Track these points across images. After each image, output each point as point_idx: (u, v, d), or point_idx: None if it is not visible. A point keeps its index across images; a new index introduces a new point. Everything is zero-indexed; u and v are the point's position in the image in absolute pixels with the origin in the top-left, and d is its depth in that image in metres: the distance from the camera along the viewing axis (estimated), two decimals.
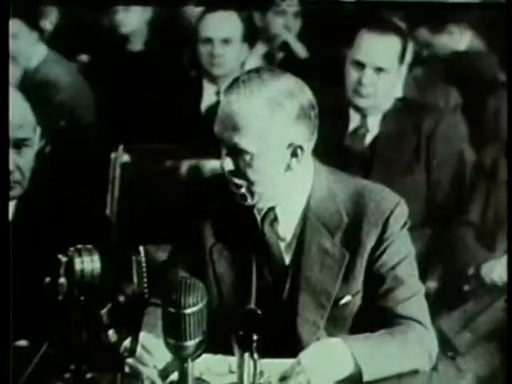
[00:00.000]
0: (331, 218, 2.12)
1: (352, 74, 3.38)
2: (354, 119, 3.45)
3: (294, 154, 2.06)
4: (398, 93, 3.63)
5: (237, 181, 2.07)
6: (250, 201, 2.08)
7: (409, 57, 3.78)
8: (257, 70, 2.07)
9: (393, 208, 2.12)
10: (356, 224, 2.11)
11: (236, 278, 2.13)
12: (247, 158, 2.03)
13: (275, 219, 2.12)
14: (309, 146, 2.08)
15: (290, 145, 2.05)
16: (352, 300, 2.11)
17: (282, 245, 2.14)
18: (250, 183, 2.06)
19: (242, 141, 2.02)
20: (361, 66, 3.36)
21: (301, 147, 2.06)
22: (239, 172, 2.06)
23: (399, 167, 3.41)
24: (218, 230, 2.16)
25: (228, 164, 2.06)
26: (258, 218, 2.13)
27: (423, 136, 3.43)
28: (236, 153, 2.04)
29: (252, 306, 2.06)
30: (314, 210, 2.12)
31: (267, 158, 2.04)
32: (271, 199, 2.10)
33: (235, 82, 2.05)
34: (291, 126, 2.04)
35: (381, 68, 3.35)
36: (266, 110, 2.01)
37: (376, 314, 2.10)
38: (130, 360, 1.92)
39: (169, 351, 1.79)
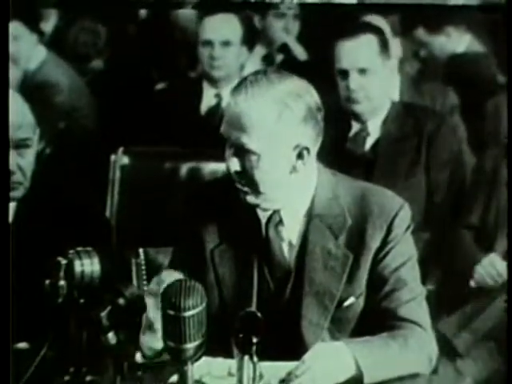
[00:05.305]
0: (335, 220, 2.11)
1: (340, 84, 3.37)
2: (355, 123, 3.44)
3: (300, 156, 2.05)
4: (395, 93, 3.63)
5: (242, 182, 2.06)
6: (254, 200, 2.08)
7: (398, 51, 3.77)
8: (264, 72, 2.07)
9: (397, 210, 2.11)
10: (360, 226, 2.10)
11: (238, 281, 2.12)
12: (254, 158, 2.03)
13: (280, 222, 2.12)
14: (314, 148, 2.08)
15: (296, 146, 2.04)
16: (355, 302, 2.11)
17: (286, 247, 2.13)
18: (256, 184, 2.05)
19: (249, 141, 2.01)
20: (344, 73, 3.35)
21: (307, 149, 2.05)
22: (245, 172, 2.05)
23: (400, 170, 3.40)
24: (221, 232, 2.15)
25: (234, 164, 2.05)
26: (263, 221, 2.13)
27: (424, 139, 3.42)
28: (243, 153, 2.04)
29: (252, 308, 2.06)
30: (317, 212, 2.12)
31: (273, 159, 2.04)
32: (275, 201, 2.09)
33: (243, 82, 2.05)
34: (298, 127, 2.03)
35: (364, 69, 3.34)
36: (273, 111, 2.01)
37: (378, 316, 2.09)
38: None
39: (168, 354, 1.79)
